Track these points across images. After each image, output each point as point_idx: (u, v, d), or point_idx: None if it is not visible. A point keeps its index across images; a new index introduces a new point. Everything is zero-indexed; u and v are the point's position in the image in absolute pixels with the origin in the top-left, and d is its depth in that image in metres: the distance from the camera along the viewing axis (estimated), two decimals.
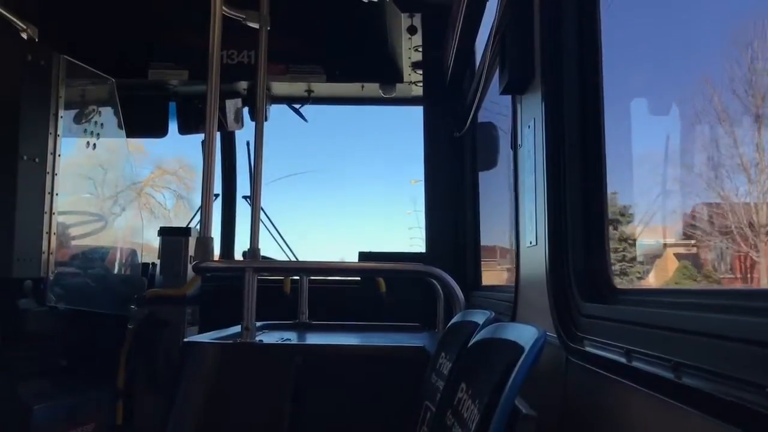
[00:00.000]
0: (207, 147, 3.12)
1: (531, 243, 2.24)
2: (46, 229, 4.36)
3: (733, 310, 1.09)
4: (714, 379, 1.04)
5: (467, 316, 2.40)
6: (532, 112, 2.23)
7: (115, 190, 5.59)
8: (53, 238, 4.42)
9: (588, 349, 1.66)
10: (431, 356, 2.47)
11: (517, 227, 2.49)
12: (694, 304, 1.27)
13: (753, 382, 0.93)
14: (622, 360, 1.40)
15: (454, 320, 2.57)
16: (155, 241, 5.33)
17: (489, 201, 4.49)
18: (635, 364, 1.34)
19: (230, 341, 3.06)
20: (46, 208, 4.37)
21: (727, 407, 0.97)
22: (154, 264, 5.59)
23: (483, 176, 4.65)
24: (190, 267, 5.10)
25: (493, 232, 4.50)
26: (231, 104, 5.72)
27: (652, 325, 1.34)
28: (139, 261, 5.45)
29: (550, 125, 2.04)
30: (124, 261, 5.38)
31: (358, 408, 2.87)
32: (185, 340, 3.20)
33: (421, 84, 5.35)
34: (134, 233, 5.43)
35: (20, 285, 4.26)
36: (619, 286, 1.84)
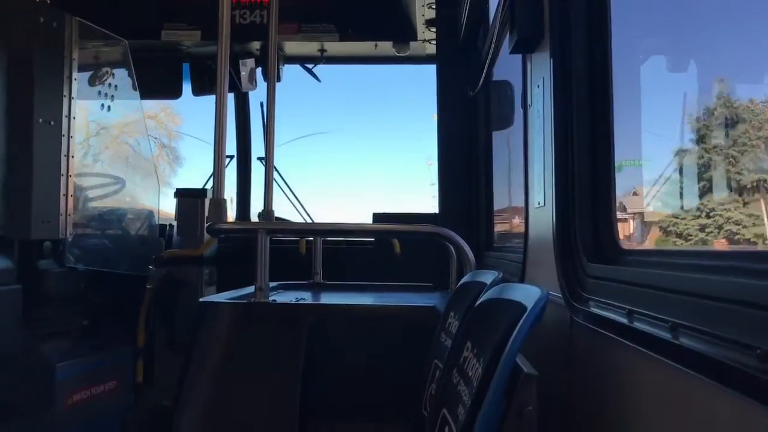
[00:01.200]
0: (218, 108, 3.12)
1: (539, 204, 2.24)
2: (63, 191, 4.41)
3: (729, 272, 1.09)
4: (709, 340, 1.05)
5: (476, 277, 2.42)
6: (541, 72, 2.20)
7: (135, 157, 5.62)
8: (70, 200, 4.47)
9: (592, 309, 1.68)
10: (441, 316, 2.50)
11: (526, 188, 2.49)
12: (693, 265, 1.27)
13: (746, 343, 0.93)
14: (624, 321, 1.41)
15: (463, 280, 2.59)
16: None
17: (515, 160, 4.44)
18: (636, 324, 1.35)
19: (244, 301, 3.11)
20: (63, 171, 4.41)
21: (721, 368, 0.98)
22: (171, 225, 5.66)
23: (501, 136, 4.61)
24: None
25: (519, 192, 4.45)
26: (244, 65, 5.70)
27: (654, 286, 1.35)
28: (156, 222, 5.51)
29: (559, 85, 2.03)
30: (141, 222, 5.44)
31: (370, 366, 2.92)
32: (200, 300, 3.26)
33: (435, 42, 5.29)
34: (150, 194, 5.47)
35: (39, 247, 4.33)
36: (624, 247, 1.84)
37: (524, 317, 1.36)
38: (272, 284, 3.33)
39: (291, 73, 6.09)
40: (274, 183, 4.51)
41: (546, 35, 2.16)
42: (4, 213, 3.99)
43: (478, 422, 1.32)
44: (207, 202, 5.12)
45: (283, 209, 5.94)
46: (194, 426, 2.83)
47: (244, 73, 5.64)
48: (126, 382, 4.77)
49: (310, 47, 5.79)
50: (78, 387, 4.28)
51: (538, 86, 2.25)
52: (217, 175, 3.13)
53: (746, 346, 0.93)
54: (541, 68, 2.22)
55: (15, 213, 4.06)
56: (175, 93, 6.01)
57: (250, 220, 6.23)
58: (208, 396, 2.88)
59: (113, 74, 5.00)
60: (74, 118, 4.51)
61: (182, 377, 2.92)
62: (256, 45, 5.70)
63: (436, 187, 5.10)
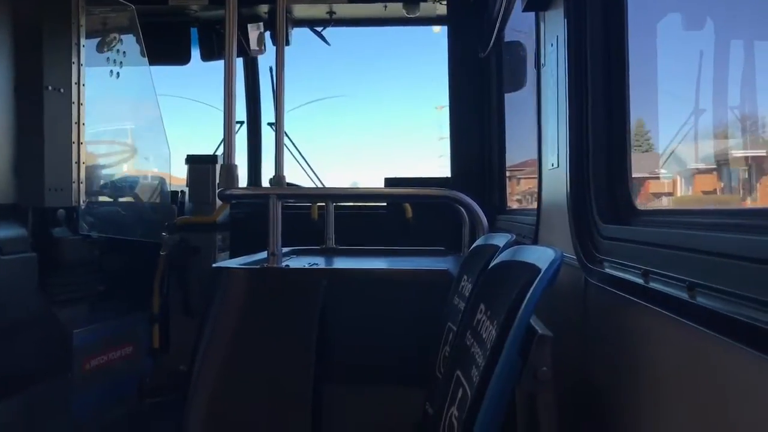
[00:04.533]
0: (227, 72, 3.10)
1: (553, 165, 2.21)
2: (75, 159, 4.41)
3: (746, 229, 1.08)
4: (726, 299, 1.03)
5: (489, 240, 2.41)
6: (555, 30, 2.16)
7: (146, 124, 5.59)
8: (82, 167, 4.47)
9: (607, 270, 1.66)
10: (454, 279, 2.50)
11: (539, 149, 2.46)
12: (710, 224, 1.25)
13: (764, 301, 0.92)
14: (639, 281, 1.40)
15: (476, 243, 2.58)
16: None
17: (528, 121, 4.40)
18: (652, 284, 1.34)
19: (257, 266, 3.12)
20: (74, 138, 4.41)
21: (738, 326, 0.96)
22: (183, 192, 5.66)
23: (515, 97, 4.55)
24: None
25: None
26: (253, 29, 5.64)
27: (670, 246, 1.33)
28: (168, 189, 5.52)
29: (573, 43, 1.99)
30: (152, 189, 5.45)
31: (383, 330, 2.93)
32: (214, 265, 3.28)
33: (446, 2, 5.20)
34: (161, 161, 5.47)
35: (53, 215, 4.35)
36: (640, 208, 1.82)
37: (538, 278, 1.35)
38: (285, 250, 3.34)
39: (300, 37, 6.03)
40: (285, 149, 4.49)
41: None
42: (18, 181, 4.00)
43: (492, 383, 1.33)
44: (218, 168, 5.12)
45: (294, 176, 5.93)
46: (210, 390, 2.87)
47: (252, 37, 5.58)
48: (142, 348, 4.83)
49: (319, 10, 5.71)
50: (95, 352, 4.33)
51: (552, 45, 2.21)
52: (228, 140, 3.12)
53: (765, 304, 0.92)
54: (555, 27, 2.17)
55: (28, 181, 4.07)
56: (183, 59, 5.96)
57: (261, 186, 6.22)
58: (224, 360, 2.91)
59: (121, 40, 4.96)
60: (83, 84, 4.50)
61: (197, 342, 2.94)
62: (264, 8, 5.63)
63: (443, 159, 5.07)
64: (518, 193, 5.10)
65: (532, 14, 2.56)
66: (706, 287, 1.11)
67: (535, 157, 2.57)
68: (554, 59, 2.18)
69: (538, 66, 2.46)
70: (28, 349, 3.88)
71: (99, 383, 4.34)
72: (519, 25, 3.82)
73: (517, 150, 4.54)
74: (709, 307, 1.07)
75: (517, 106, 4.40)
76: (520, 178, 4.95)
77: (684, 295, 1.17)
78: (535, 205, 3.12)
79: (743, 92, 2.28)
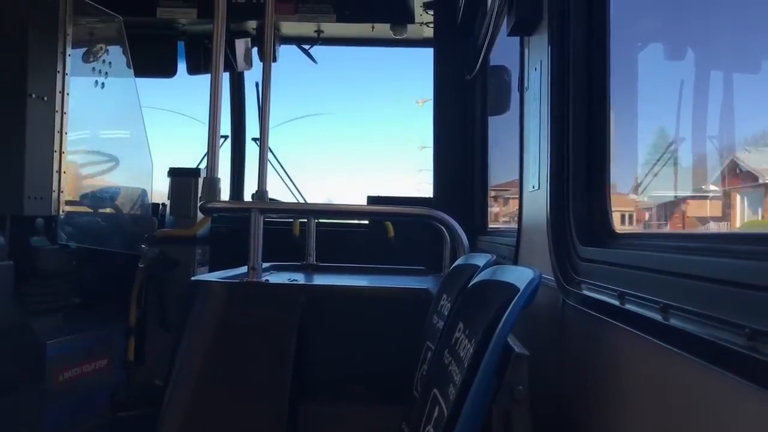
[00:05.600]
0: (213, 87, 3.10)
1: (534, 187, 2.24)
2: (56, 168, 4.38)
3: (719, 253, 1.10)
4: (698, 321, 1.05)
5: (469, 260, 2.42)
6: (539, 55, 2.20)
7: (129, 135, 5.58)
8: (63, 177, 4.45)
9: (584, 292, 1.68)
10: (434, 298, 2.51)
11: (521, 171, 2.49)
12: (685, 248, 1.27)
13: (734, 322, 0.94)
14: (615, 302, 1.41)
15: (456, 263, 2.59)
16: None
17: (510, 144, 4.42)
18: (627, 306, 1.36)
19: (236, 280, 3.10)
20: (56, 147, 4.38)
21: (710, 348, 0.98)
22: (164, 204, 5.64)
23: (500, 120, 4.59)
24: None
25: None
26: (240, 44, 5.67)
27: (645, 268, 1.35)
28: (149, 201, 5.49)
29: (556, 68, 2.02)
30: (133, 200, 5.42)
31: (362, 348, 2.92)
32: (192, 278, 3.26)
33: (432, 25, 5.26)
34: (143, 173, 5.44)
35: (32, 223, 4.31)
36: (618, 231, 1.84)
37: (516, 298, 1.36)
38: (265, 265, 3.33)
39: (287, 54, 6.06)
40: (269, 164, 4.49)
41: (545, 17, 2.15)
42: None
43: (469, 401, 1.33)
44: (200, 181, 5.11)
45: (276, 193, 5.93)
46: (185, 404, 2.83)
47: (239, 52, 5.60)
48: (117, 360, 4.78)
49: (307, 28, 5.75)
50: (69, 364, 4.28)
51: (536, 69, 2.24)
52: (211, 153, 3.12)
53: (735, 326, 0.94)
54: (539, 51, 2.21)
55: (7, 189, 4.04)
56: (169, 71, 5.97)
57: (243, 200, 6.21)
58: (199, 375, 2.88)
59: (107, 51, 4.96)
60: (68, 93, 4.48)
61: (173, 356, 2.91)
62: (252, 24, 5.66)
63: (423, 174, 5.11)
64: (504, 214, 5.12)
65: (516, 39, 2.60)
66: (680, 309, 1.13)
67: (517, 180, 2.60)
68: (538, 83, 2.21)
69: (521, 89, 2.49)
70: (1, 359, 3.83)
71: (72, 395, 4.28)
72: (504, 49, 3.87)
73: (500, 173, 4.58)
74: (681, 329, 1.09)
75: (501, 129, 4.44)
76: (508, 197, 4.97)
77: (658, 317, 1.18)
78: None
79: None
